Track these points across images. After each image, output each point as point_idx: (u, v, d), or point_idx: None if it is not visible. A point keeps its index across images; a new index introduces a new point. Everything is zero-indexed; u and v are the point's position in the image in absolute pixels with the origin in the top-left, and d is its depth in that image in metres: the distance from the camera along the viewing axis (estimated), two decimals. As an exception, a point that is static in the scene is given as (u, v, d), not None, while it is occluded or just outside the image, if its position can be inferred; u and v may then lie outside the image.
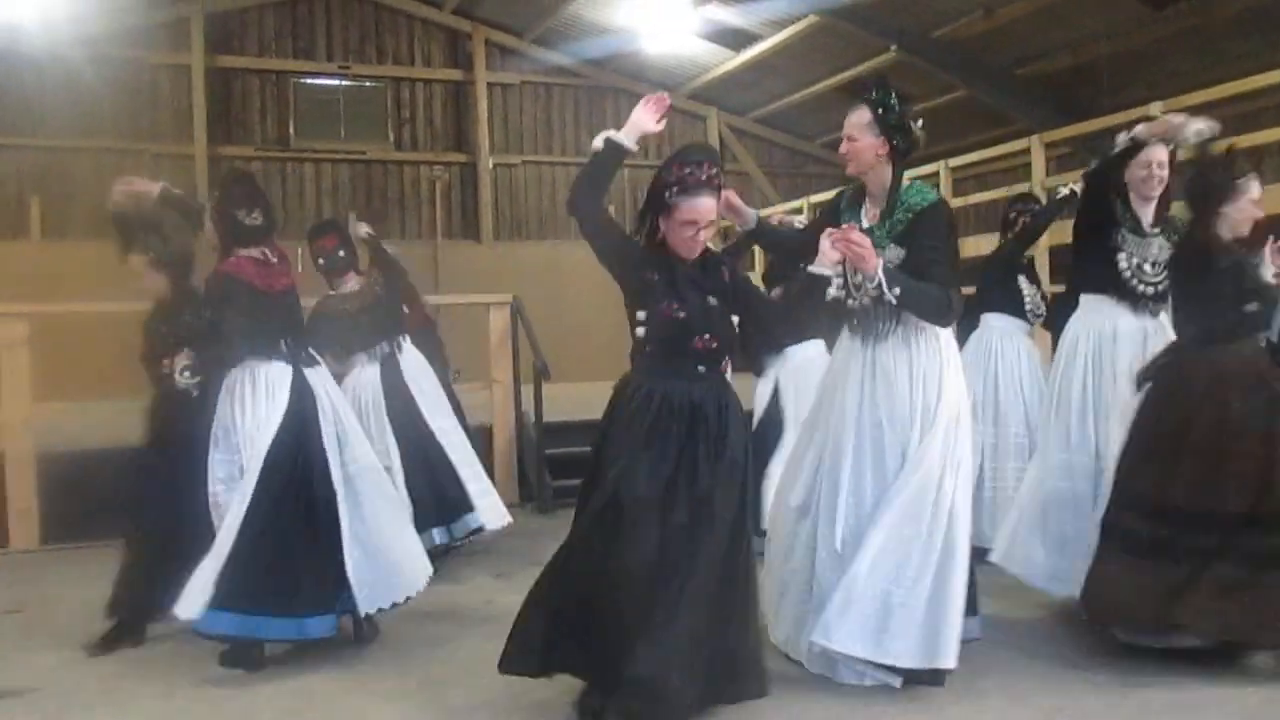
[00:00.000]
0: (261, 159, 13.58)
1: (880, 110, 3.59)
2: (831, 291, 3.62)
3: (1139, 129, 4.19)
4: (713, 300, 3.35)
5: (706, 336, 3.32)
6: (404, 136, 14.31)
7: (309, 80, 13.85)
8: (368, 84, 14.10)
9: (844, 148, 3.70)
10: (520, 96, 14.76)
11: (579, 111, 14.96)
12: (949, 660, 3.44)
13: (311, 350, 4.34)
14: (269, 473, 3.97)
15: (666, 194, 3.27)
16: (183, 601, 3.85)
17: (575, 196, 3.35)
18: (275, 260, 4.20)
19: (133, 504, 4.43)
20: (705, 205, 3.28)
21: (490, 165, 14.37)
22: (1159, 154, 4.20)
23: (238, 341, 4.10)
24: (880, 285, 3.46)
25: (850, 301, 3.72)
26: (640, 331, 3.32)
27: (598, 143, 3.35)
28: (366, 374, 5.51)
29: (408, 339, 5.73)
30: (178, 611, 3.86)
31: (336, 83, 13.94)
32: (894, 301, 3.48)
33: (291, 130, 13.68)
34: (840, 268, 3.63)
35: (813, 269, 3.50)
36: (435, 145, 14.46)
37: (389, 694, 3.72)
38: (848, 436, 3.65)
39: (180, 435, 4.25)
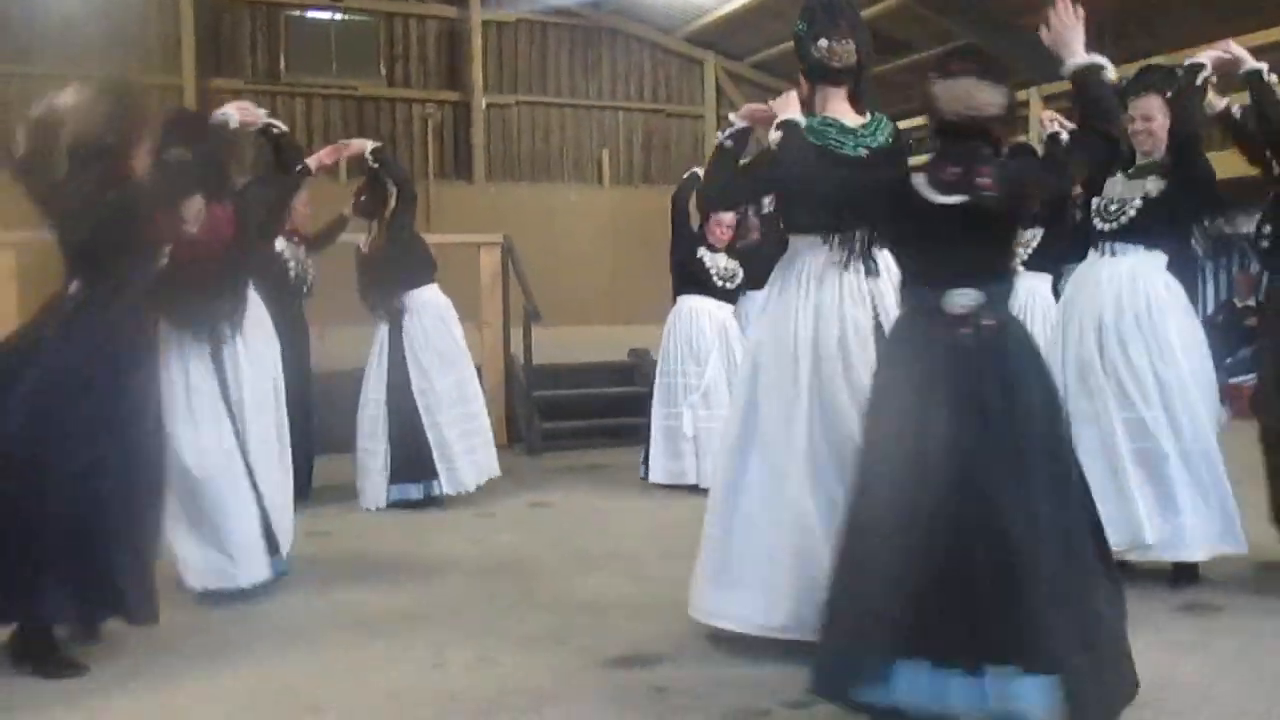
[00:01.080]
0: (252, 92, 13.36)
1: (794, 36, 3.55)
2: None
3: (1204, 56, 4.09)
4: None
5: None
6: (396, 73, 14.11)
7: (301, 13, 13.63)
8: (360, 18, 13.88)
9: None
10: (515, 35, 14.54)
11: (574, 53, 14.73)
12: None
13: (230, 322, 4.03)
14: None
15: None
16: None
17: None
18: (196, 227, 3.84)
19: None
20: None
21: (484, 105, 14.20)
22: (1146, 105, 4.08)
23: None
24: None
25: None
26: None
27: None
28: (380, 330, 5.64)
29: (432, 286, 5.73)
30: None
31: (329, 16, 13.71)
32: None
33: (282, 64, 13.49)
34: None
35: None
36: (428, 83, 14.26)
37: (375, 628, 3.74)
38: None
39: None
